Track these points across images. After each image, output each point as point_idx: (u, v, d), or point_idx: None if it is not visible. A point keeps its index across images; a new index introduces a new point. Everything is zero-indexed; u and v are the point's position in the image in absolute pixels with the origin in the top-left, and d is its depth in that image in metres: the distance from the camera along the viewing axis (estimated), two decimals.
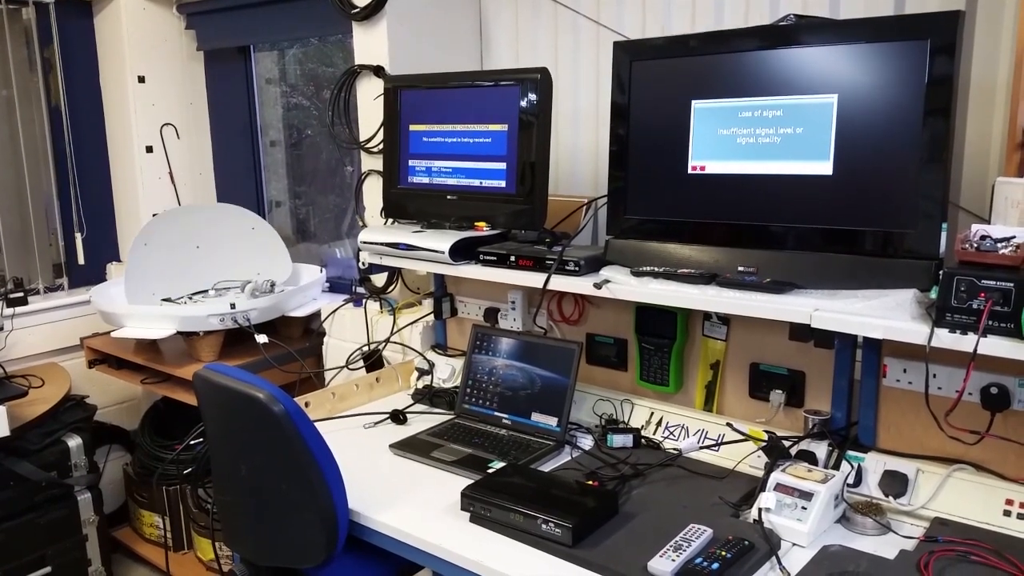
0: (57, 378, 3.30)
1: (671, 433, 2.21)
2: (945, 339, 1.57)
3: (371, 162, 2.88)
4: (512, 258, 2.25)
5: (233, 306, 2.89)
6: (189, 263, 3.25)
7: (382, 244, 2.49)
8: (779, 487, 1.76)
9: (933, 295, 1.64)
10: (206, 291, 3.24)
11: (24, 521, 2.99)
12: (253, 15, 3.45)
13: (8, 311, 3.37)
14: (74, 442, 3.16)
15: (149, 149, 3.76)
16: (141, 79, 3.69)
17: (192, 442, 2.76)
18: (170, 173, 3.83)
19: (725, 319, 2.19)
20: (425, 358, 2.75)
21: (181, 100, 3.85)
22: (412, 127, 2.57)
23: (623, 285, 2.03)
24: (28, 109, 3.57)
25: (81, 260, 3.77)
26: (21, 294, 3.47)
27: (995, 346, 1.52)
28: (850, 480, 1.84)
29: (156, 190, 3.80)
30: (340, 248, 3.68)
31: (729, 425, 2.10)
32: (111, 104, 3.80)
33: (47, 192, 3.68)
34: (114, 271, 3.87)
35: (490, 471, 2.01)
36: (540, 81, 2.28)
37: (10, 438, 2.77)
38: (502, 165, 2.37)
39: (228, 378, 1.89)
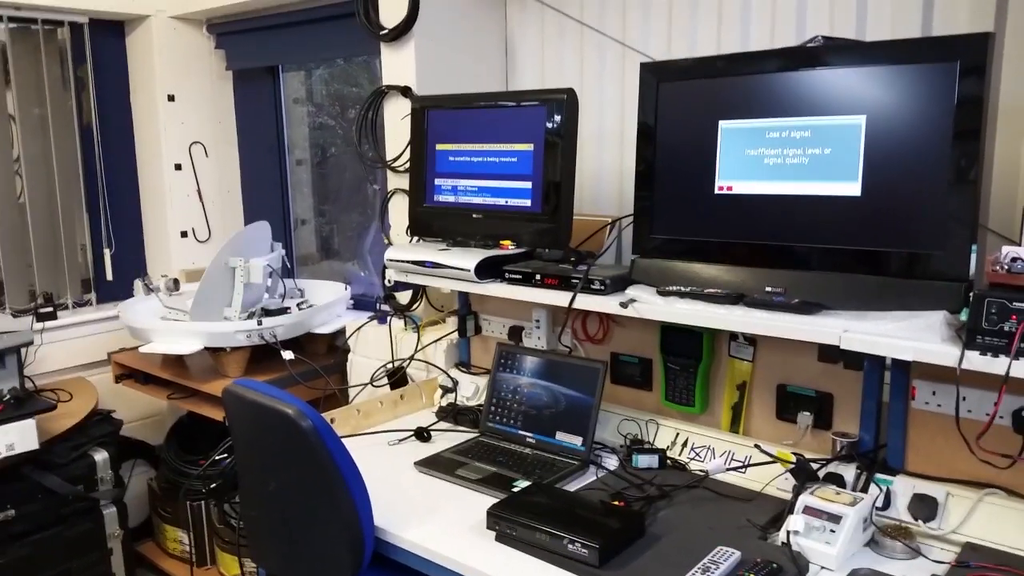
0: (84, 392, 3.33)
1: (697, 454, 2.20)
2: (976, 361, 1.56)
3: (397, 181, 2.91)
4: (537, 276, 2.25)
5: (260, 322, 2.91)
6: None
7: (408, 262, 2.51)
8: (807, 510, 1.74)
9: (963, 317, 1.63)
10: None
11: (51, 534, 3.02)
12: (282, 36, 3.50)
13: (38, 326, 3.41)
14: (100, 456, 3.19)
15: (178, 167, 3.82)
16: (171, 98, 3.75)
17: (217, 457, 2.78)
18: (198, 190, 3.88)
19: (752, 339, 2.18)
20: (449, 376, 2.76)
21: (210, 118, 3.91)
22: (439, 146, 2.59)
23: (649, 304, 2.03)
24: (61, 127, 3.63)
25: (109, 276, 3.82)
26: (51, 309, 3.52)
27: None
28: (879, 503, 1.82)
29: (184, 207, 3.85)
30: (364, 266, 3.71)
31: (756, 447, 2.08)
32: (141, 122, 3.86)
33: (77, 208, 3.73)
34: (141, 287, 3.90)
35: (515, 490, 2.01)
36: (566, 101, 2.29)
37: (39, 451, 2.80)
38: (528, 184, 2.39)
39: (257, 393, 1.91)
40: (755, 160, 1.97)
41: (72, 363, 3.56)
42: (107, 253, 3.81)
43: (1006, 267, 1.59)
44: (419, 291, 2.93)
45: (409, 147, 2.71)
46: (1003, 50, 1.95)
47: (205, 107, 3.88)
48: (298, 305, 3.18)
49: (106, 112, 3.77)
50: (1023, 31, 1.94)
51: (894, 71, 1.77)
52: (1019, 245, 1.70)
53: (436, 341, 2.84)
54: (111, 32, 3.76)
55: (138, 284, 3.20)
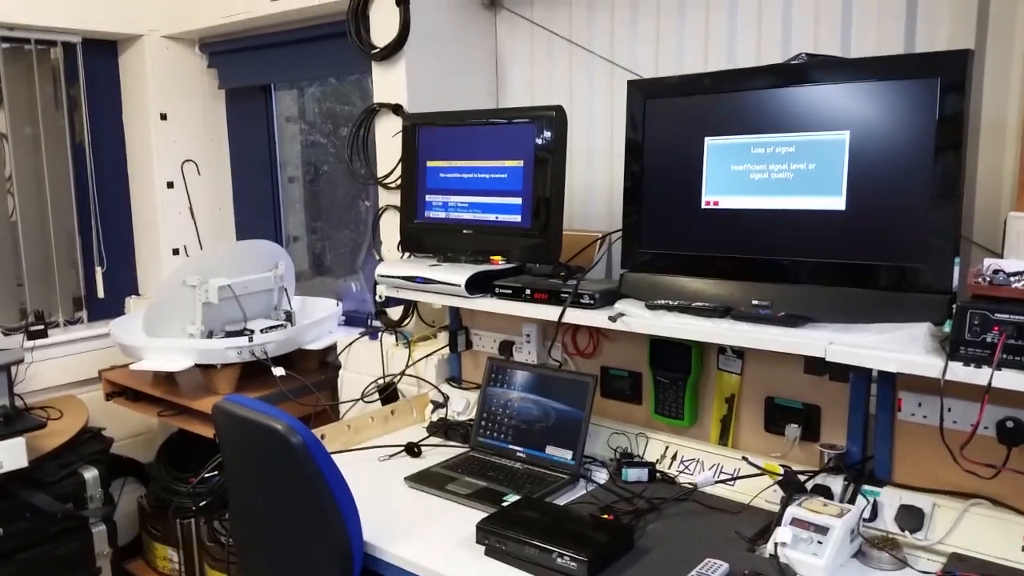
0: (75, 410, 3.33)
1: (686, 467, 2.21)
2: (959, 372, 1.58)
3: (388, 197, 2.92)
4: (527, 291, 2.27)
5: (251, 339, 2.92)
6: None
7: (399, 277, 2.52)
8: (795, 521, 1.75)
9: (947, 329, 1.65)
10: None
11: (39, 553, 3.00)
12: (274, 55, 3.52)
13: (29, 344, 3.41)
14: (90, 474, 3.18)
15: (170, 185, 3.82)
16: (163, 116, 3.77)
17: (207, 474, 2.77)
18: (190, 208, 3.89)
19: (740, 352, 2.20)
20: (440, 391, 2.76)
21: (202, 137, 3.92)
22: (429, 163, 2.61)
23: (638, 318, 2.05)
24: (53, 145, 3.64)
25: (101, 293, 3.81)
26: (41, 327, 3.52)
27: (1010, 379, 1.53)
28: (866, 514, 1.83)
29: (176, 225, 3.86)
30: (355, 282, 3.72)
31: (745, 459, 2.09)
32: (133, 141, 3.88)
33: (69, 226, 3.74)
34: (133, 305, 3.91)
35: (505, 504, 2.01)
36: (555, 118, 2.32)
37: (28, 469, 2.79)
38: (518, 200, 2.41)
39: (247, 409, 1.91)
40: (741, 175, 2.00)
41: (63, 381, 3.55)
42: (99, 271, 3.80)
43: (988, 279, 1.61)
44: (410, 307, 2.94)
45: (400, 164, 2.73)
46: (984, 66, 1.98)
47: (197, 126, 3.90)
48: (262, 330, 3.01)
49: (98, 131, 3.78)
50: (1004, 47, 1.97)
51: (876, 87, 1.80)
52: (1001, 257, 1.72)
53: (427, 356, 2.84)
54: (104, 52, 3.78)
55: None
